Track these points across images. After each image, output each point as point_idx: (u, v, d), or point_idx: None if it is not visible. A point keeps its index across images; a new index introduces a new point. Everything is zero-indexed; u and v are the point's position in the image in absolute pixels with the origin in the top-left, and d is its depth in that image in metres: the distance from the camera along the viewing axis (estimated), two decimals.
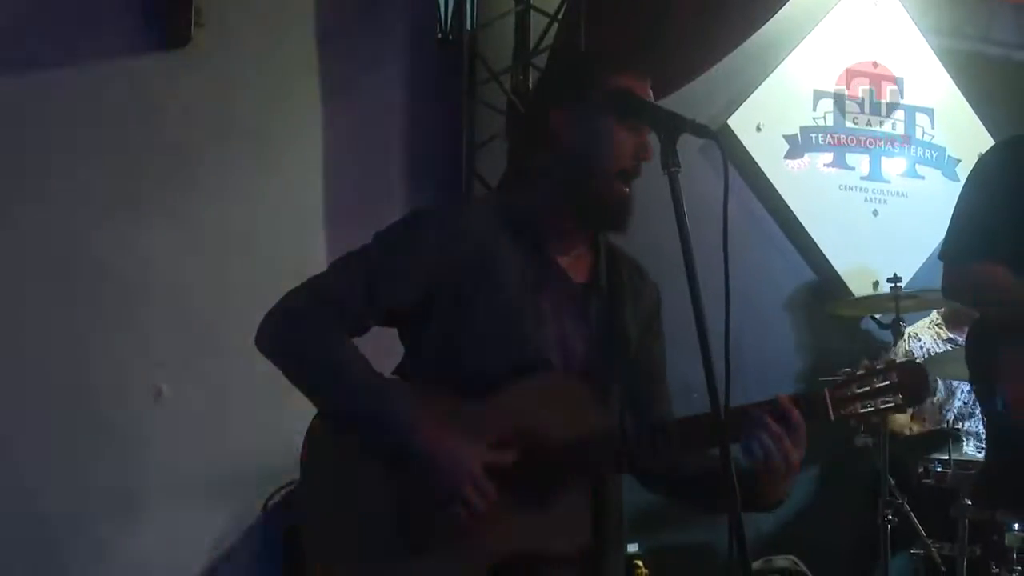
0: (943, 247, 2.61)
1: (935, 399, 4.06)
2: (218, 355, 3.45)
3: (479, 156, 3.79)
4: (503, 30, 3.86)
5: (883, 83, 4.70)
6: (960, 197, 2.62)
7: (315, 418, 1.75)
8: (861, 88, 4.67)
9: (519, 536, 1.66)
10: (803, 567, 3.94)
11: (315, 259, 3.56)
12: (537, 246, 1.81)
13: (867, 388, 1.67)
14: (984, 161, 2.68)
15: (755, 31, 3.85)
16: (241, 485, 3.47)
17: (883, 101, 4.71)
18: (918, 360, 1.71)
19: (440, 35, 3.91)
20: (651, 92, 1.83)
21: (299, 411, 3.29)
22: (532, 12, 3.85)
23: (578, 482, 1.71)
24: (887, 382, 1.67)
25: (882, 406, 1.68)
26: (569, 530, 1.68)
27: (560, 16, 3.73)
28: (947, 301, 3.35)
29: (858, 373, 1.69)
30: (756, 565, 3.89)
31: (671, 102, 3.35)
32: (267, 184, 3.65)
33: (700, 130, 1.63)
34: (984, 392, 2.63)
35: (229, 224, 3.57)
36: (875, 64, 4.69)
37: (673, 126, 1.61)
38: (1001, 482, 2.77)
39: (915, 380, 1.68)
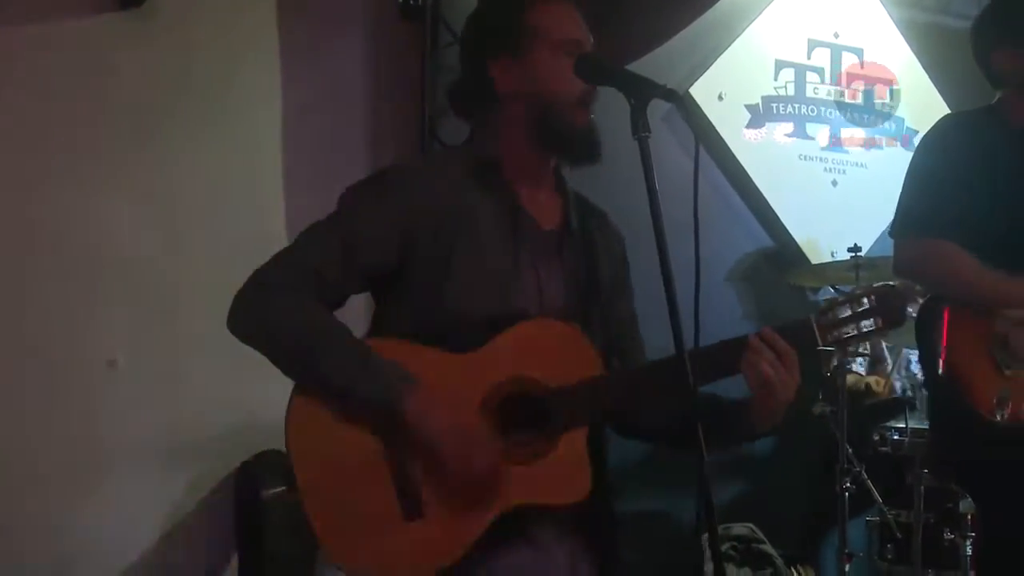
0: (895, 221, 2.65)
1: (887, 367, 4.11)
2: (173, 325, 3.39)
3: (441, 121, 3.74)
4: None
5: (844, 54, 4.72)
6: (912, 169, 2.66)
7: (295, 389, 1.71)
8: (822, 58, 4.68)
9: (520, 489, 1.65)
10: (760, 534, 4.00)
11: (274, 226, 3.51)
12: (506, 194, 1.80)
13: (849, 313, 1.68)
14: (937, 134, 2.71)
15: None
16: (197, 456, 3.44)
17: (844, 72, 4.72)
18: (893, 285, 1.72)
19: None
20: (580, 18, 1.84)
21: (255, 381, 3.27)
22: None
23: (576, 430, 1.70)
24: (867, 306, 1.68)
25: (865, 330, 1.68)
26: (570, 480, 1.68)
27: None
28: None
29: (839, 299, 1.70)
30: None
31: (634, 69, 3.35)
32: (225, 150, 3.57)
33: (670, 95, 1.66)
34: (928, 357, 2.68)
35: (185, 190, 3.49)
36: (836, 35, 4.71)
37: (643, 91, 1.62)
38: (949, 453, 2.83)
39: (893, 303, 1.69)
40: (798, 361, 1.66)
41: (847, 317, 1.68)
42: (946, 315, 2.60)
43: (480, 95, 1.84)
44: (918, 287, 2.63)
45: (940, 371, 2.61)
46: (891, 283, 1.72)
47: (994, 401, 2.51)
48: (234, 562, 3.49)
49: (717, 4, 3.91)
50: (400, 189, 1.77)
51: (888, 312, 1.67)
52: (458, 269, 1.72)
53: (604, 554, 1.80)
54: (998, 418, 2.49)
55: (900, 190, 2.67)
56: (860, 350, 3.97)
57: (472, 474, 1.62)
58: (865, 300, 1.68)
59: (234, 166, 3.59)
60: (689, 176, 4.00)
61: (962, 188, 2.56)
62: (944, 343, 2.60)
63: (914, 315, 2.73)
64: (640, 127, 1.60)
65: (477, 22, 1.93)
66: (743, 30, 4.49)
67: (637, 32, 3.47)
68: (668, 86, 1.66)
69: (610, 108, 1.81)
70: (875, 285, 1.73)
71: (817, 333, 1.67)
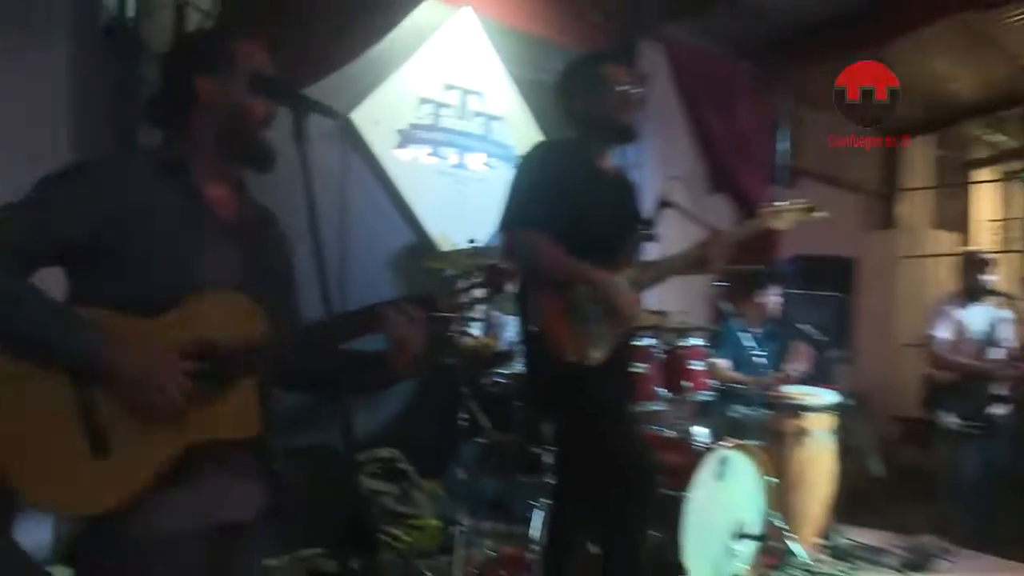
0: (501, 220, 2.76)
1: (495, 329, 4.29)
2: None
3: (145, 141, 3.43)
4: (167, 18, 3.54)
5: (470, 95, 4.90)
6: (513, 182, 2.79)
7: None
8: (454, 98, 4.83)
9: (198, 427, 1.57)
10: (400, 455, 4.05)
11: None
12: (190, 190, 1.70)
13: (464, 285, 1.71)
14: (529, 157, 2.86)
15: (377, 42, 3.86)
16: None
17: (470, 109, 4.89)
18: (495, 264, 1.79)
19: (107, 21, 3.47)
20: (269, 53, 1.76)
21: None
22: (189, 8, 3.55)
23: (247, 380, 1.64)
24: (477, 279, 1.72)
25: (475, 297, 1.72)
26: (241, 419, 1.62)
27: (213, 14, 3.50)
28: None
29: (458, 273, 1.74)
30: (363, 456, 3.95)
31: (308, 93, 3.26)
32: None
33: (326, 111, 1.67)
34: (523, 320, 2.83)
35: None
36: (465, 79, 4.87)
37: (304, 106, 1.62)
38: (538, 388, 2.98)
39: (494, 276, 1.73)
40: (425, 322, 1.68)
41: (462, 288, 1.72)
42: (537, 289, 2.76)
43: (180, 105, 1.72)
44: (517, 267, 2.79)
45: (533, 329, 2.76)
46: (495, 263, 1.78)
47: (569, 348, 2.68)
48: None
49: (372, 48, 3.90)
50: (92, 179, 1.63)
51: (491, 282, 1.73)
52: (142, 255, 1.60)
53: (271, 481, 1.75)
54: (572, 360, 2.67)
55: (508, 194, 2.78)
56: (477, 316, 4.12)
57: (163, 403, 1.53)
58: (476, 275, 1.73)
59: None
60: (356, 183, 3.98)
61: (546, 196, 2.71)
62: (536, 309, 2.76)
63: (514, 291, 2.91)
64: (302, 136, 1.59)
65: (188, 42, 1.87)
66: (394, 71, 4.54)
67: (308, 65, 3.40)
68: (329, 106, 1.65)
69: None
70: (484, 263, 1.80)
71: (438, 299, 1.71)
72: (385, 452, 4.03)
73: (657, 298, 5.17)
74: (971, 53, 6.49)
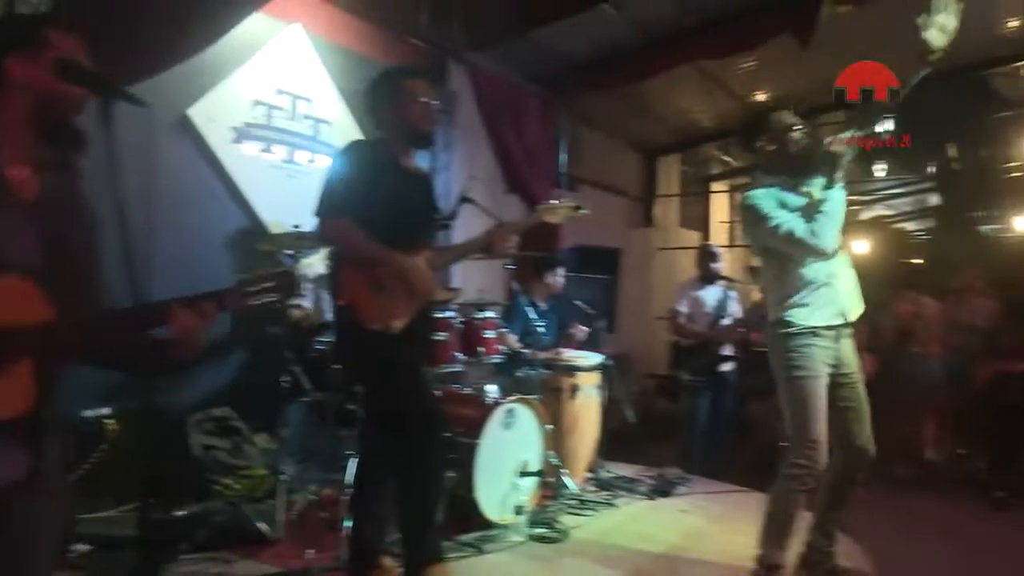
0: (317, 207, 2.68)
1: (312, 303, 4.21)
2: None
3: None
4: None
5: (299, 100, 4.79)
6: (328, 176, 2.74)
7: None
8: (285, 102, 4.70)
9: None
10: (233, 414, 3.94)
11: None
12: None
13: (256, 288, 1.56)
14: (346, 151, 2.79)
15: (209, 46, 3.67)
16: None
17: (300, 112, 4.78)
18: (289, 270, 1.67)
19: None
20: (84, 43, 1.58)
21: None
22: (17, 5, 3.16)
23: (21, 360, 1.43)
24: (268, 282, 1.57)
25: (268, 299, 1.56)
26: (12, 397, 1.42)
27: (43, 9, 3.18)
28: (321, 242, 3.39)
29: (250, 278, 1.57)
30: (199, 416, 3.80)
31: (145, 87, 3.08)
32: None
33: (132, 99, 1.53)
34: (335, 292, 2.81)
35: None
36: (295, 86, 4.75)
37: (111, 93, 1.49)
38: (348, 353, 2.93)
39: (285, 281, 1.59)
40: (210, 317, 1.54)
41: (255, 291, 1.56)
42: (344, 267, 2.73)
43: None
44: (330, 248, 2.73)
45: (343, 303, 2.74)
46: (287, 269, 1.61)
47: (372, 319, 2.68)
48: None
49: (206, 51, 3.70)
50: None
51: (282, 288, 1.58)
52: None
53: (41, 451, 1.53)
54: (375, 328, 2.68)
55: (323, 184, 2.71)
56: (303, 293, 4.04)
57: None
58: (266, 278, 1.57)
59: None
60: (194, 174, 3.71)
61: (355, 188, 2.69)
62: (345, 285, 2.73)
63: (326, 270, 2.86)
64: (108, 122, 1.46)
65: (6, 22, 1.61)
66: (229, 75, 4.37)
67: (141, 61, 3.18)
68: (171, 108, 1.52)
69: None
70: (276, 271, 1.60)
71: (227, 298, 1.55)
72: (218, 411, 3.89)
73: (460, 277, 5.28)
74: (709, 92, 7.07)
